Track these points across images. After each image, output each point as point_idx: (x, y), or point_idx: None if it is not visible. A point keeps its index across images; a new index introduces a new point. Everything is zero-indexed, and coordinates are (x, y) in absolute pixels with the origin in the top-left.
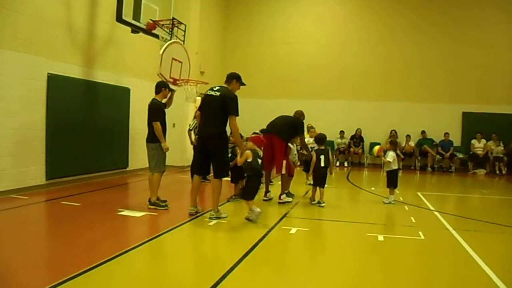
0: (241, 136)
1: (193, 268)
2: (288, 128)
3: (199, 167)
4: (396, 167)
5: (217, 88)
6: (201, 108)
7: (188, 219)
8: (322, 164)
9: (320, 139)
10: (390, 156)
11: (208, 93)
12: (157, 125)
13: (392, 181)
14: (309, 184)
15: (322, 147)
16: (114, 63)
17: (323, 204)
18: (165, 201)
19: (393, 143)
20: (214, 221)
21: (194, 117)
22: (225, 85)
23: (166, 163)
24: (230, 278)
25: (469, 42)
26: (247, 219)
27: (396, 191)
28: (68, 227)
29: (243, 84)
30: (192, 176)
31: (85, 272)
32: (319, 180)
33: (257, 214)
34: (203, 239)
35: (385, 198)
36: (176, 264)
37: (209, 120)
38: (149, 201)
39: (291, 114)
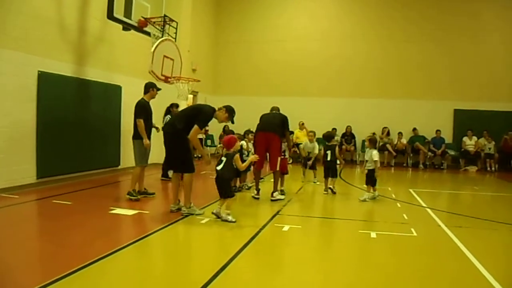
0: (233, 132)
1: (186, 265)
2: (282, 125)
3: (170, 164)
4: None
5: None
6: None
7: (180, 217)
8: (329, 158)
9: (328, 136)
10: (375, 155)
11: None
12: (140, 122)
13: (372, 179)
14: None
15: (330, 144)
16: (106, 61)
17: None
18: (142, 193)
19: (371, 141)
20: (206, 219)
21: None
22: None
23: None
24: (223, 275)
25: (463, 39)
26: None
27: (388, 188)
28: (60, 226)
29: (232, 121)
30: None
31: (77, 270)
32: (328, 171)
33: (229, 220)
34: (196, 237)
35: (370, 194)
36: (169, 262)
37: (174, 118)
38: (128, 192)
39: (287, 111)
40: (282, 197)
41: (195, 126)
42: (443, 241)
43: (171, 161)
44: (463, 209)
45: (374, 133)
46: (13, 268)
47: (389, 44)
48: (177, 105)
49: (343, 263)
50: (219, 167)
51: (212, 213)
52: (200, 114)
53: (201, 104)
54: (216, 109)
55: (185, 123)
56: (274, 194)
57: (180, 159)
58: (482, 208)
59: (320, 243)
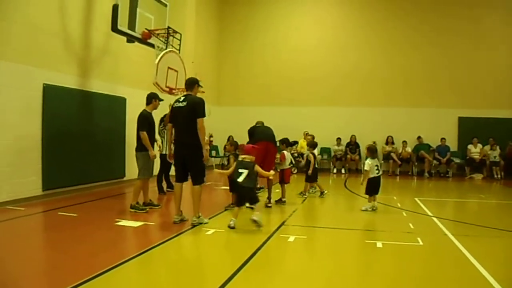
0: (237, 145)
1: (192, 277)
2: (274, 136)
3: (178, 175)
4: (376, 174)
5: (182, 98)
6: (171, 120)
7: (186, 228)
8: (317, 166)
9: (314, 145)
10: (366, 164)
11: (175, 105)
12: (144, 134)
13: (371, 188)
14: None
15: (315, 151)
16: (110, 73)
17: (320, 194)
18: (147, 205)
19: (370, 150)
20: (211, 230)
21: None
22: (188, 93)
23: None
24: (229, 287)
25: (467, 46)
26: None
27: (394, 197)
28: (66, 238)
29: (199, 85)
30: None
31: (84, 282)
32: (316, 177)
33: (258, 221)
34: (201, 249)
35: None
36: (175, 273)
37: (181, 129)
38: (130, 205)
39: (291, 120)
40: (270, 205)
41: (201, 119)
42: (450, 250)
43: (186, 172)
44: (469, 217)
45: (374, 142)
46: (20, 279)
47: (393, 52)
48: None
49: (350, 273)
50: (241, 179)
51: (252, 220)
52: (198, 108)
53: (190, 101)
54: (191, 93)
55: (193, 129)
56: (271, 202)
57: (198, 168)
58: (488, 216)
59: (326, 253)
